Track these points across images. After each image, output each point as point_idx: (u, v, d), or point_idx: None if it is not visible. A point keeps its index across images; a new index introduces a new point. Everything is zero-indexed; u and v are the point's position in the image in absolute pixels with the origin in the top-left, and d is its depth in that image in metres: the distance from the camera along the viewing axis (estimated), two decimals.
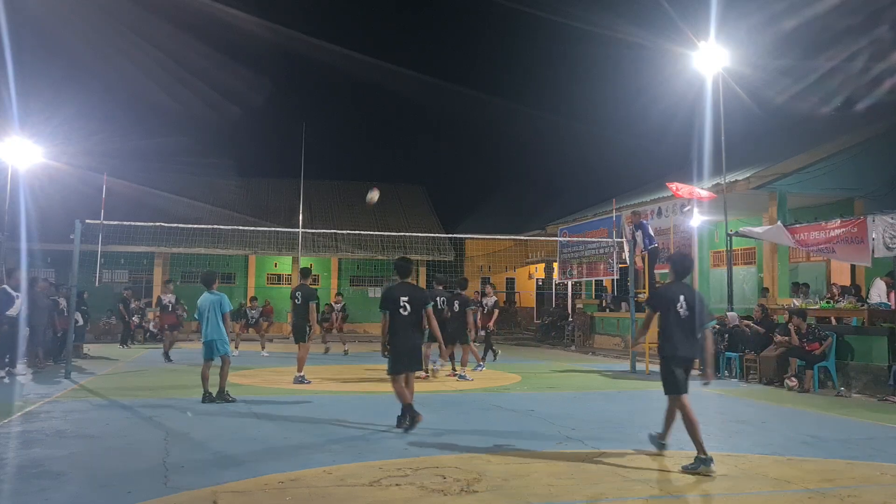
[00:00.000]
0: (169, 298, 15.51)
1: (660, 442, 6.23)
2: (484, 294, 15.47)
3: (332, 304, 18.02)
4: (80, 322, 14.90)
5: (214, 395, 8.95)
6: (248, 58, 52.46)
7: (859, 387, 10.92)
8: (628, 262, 15.31)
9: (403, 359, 7.41)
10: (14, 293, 12.13)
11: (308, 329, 11.18)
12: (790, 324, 11.72)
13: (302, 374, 11.08)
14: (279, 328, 26.68)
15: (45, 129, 19.04)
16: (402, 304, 7.29)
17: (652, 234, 14.61)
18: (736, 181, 15.57)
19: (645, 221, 15.02)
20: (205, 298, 9.28)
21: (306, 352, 11.30)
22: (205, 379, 9.09)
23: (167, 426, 7.29)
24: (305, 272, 11.91)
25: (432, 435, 6.97)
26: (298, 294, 11.40)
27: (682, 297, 5.99)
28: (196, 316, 9.46)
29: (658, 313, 6.15)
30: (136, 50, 31.58)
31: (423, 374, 11.29)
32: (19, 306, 12.13)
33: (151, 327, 21.01)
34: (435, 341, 11.62)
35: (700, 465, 5.53)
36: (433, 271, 26.17)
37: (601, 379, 12.85)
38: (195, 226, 18.22)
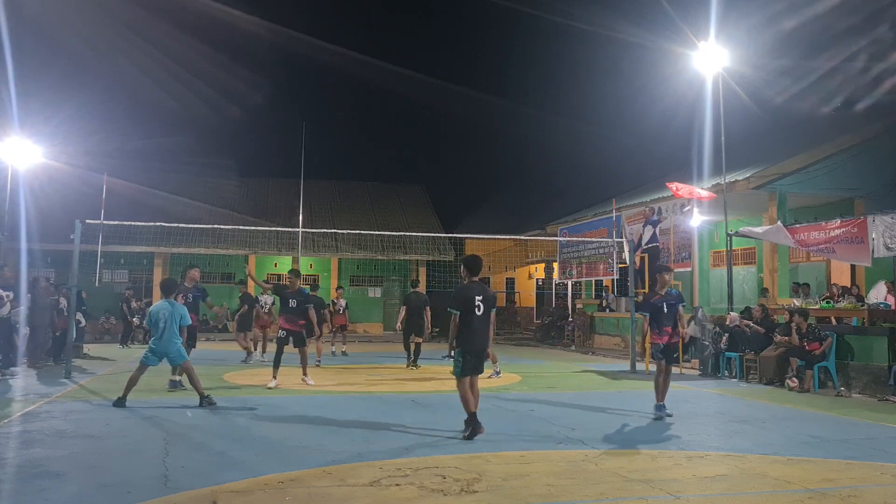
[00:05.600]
0: None
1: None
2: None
3: (334, 300, 17.48)
4: (81, 322, 14.88)
5: (199, 401, 8.44)
6: (248, 58, 52.57)
7: (859, 387, 10.93)
8: (628, 261, 15.32)
9: (472, 361, 7.00)
10: (3, 293, 11.74)
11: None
12: (792, 322, 11.72)
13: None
14: (275, 329, 26.68)
15: (45, 129, 19.08)
16: (476, 303, 6.89)
17: (657, 233, 14.67)
18: (736, 181, 15.57)
19: (656, 219, 15.03)
20: (161, 307, 8.68)
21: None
22: (132, 382, 8.50)
23: (167, 426, 7.29)
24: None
25: (432, 435, 6.97)
26: (190, 295, 11.66)
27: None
28: (146, 323, 9.03)
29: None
30: (136, 50, 31.66)
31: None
32: (10, 307, 11.80)
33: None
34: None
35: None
36: (433, 271, 26.20)
37: (601, 379, 12.84)
38: (195, 226, 18.16)
